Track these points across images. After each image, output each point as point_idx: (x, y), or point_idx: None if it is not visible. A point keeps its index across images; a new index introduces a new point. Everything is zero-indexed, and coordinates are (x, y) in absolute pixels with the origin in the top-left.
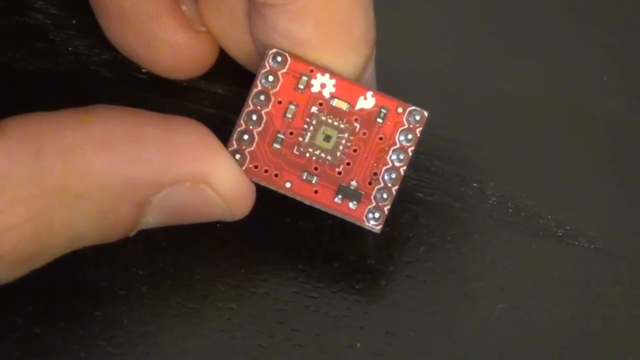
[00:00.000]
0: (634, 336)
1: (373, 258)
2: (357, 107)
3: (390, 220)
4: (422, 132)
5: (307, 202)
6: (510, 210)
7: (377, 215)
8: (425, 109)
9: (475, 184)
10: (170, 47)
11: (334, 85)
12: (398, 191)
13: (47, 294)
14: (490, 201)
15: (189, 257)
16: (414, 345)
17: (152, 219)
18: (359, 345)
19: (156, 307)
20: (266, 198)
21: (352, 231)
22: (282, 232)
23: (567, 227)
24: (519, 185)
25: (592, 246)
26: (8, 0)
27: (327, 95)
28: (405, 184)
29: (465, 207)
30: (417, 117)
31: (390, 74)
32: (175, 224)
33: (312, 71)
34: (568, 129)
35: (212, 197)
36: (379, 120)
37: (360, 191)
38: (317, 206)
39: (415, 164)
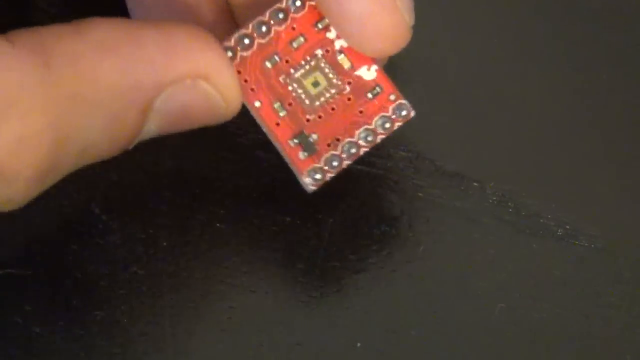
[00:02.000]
0: (634, 336)
1: (372, 256)
2: (357, 72)
3: (391, 220)
4: (400, 127)
5: (264, 129)
6: (510, 210)
7: (317, 176)
8: (424, 108)
9: (475, 184)
10: None
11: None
12: (350, 167)
13: (47, 294)
14: (490, 201)
15: (189, 257)
16: (414, 345)
17: (153, 125)
18: (359, 345)
19: (156, 307)
20: (267, 198)
21: (352, 230)
22: (282, 232)
23: (567, 227)
24: (519, 185)
25: (592, 246)
26: (8, 0)
27: (337, 47)
28: (406, 183)
29: (465, 207)
30: (403, 112)
31: (390, 73)
32: (175, 130)
33: None
34: (568, 129)
35: (210, 93)
36: (369, 95)
37: (316, 146)
38: (270, 138)
39: (415, 164)
